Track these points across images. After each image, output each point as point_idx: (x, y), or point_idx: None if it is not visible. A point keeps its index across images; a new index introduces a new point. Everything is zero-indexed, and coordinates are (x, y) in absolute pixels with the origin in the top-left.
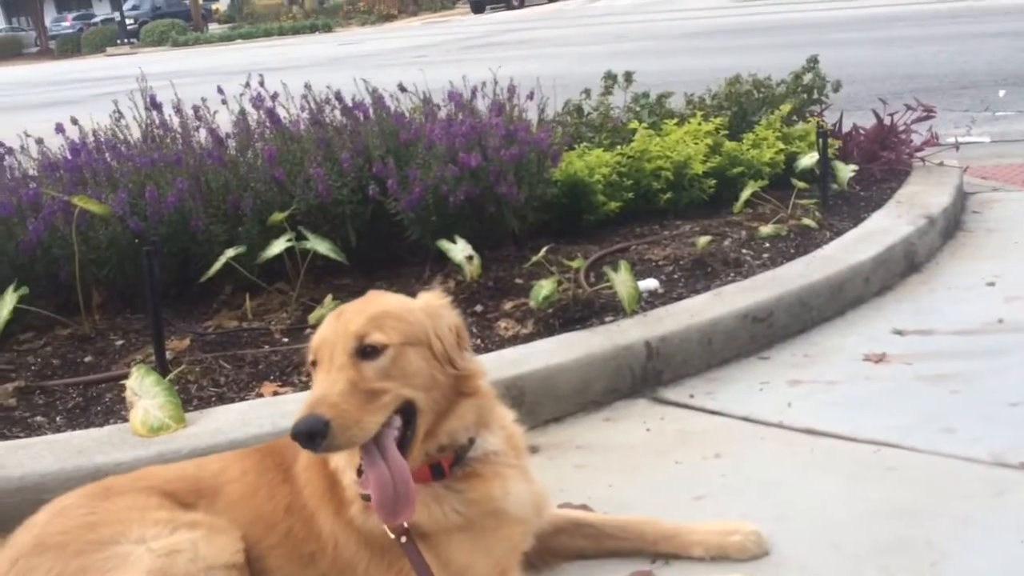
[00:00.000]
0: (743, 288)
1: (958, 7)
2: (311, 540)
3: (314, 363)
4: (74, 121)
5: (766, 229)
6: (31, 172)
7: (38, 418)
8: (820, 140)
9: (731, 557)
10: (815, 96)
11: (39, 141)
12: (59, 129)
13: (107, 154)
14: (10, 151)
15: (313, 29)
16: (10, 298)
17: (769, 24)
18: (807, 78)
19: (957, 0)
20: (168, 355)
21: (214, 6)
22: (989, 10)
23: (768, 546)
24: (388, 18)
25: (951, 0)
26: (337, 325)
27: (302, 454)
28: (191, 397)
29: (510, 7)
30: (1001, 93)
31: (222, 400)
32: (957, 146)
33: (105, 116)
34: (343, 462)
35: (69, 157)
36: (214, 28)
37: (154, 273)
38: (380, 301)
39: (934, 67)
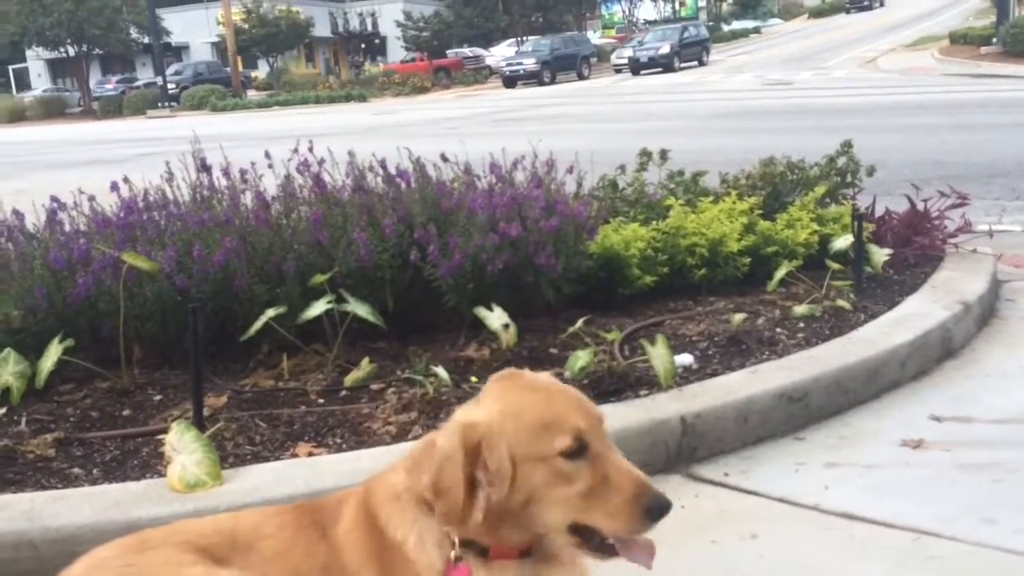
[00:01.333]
0: (779, 367)
1: (987, 97)
2: None
3: (580, 436)
4: (126, 180)
5: (800, 309)
6: (82, 228)
7: (75, 470)
8: (855, 223)
9: None
10: (848, 179)
11: (91, 198)
12: (114, 187)
13: (156, 213)
14: (63, 206)
15: (348, 99)
16: (55, 350)
17: (798, 108)
18: (841, 161)
19: (985, 91)
20: (205, 411)
21: (253, 74)
22: (1017, 101)
23: None
24: (422, 90)
25: (979, 91)
26: (588, 406)
27: (344, 517)
28: (227, 454)
29: (541, 83)
30: None
31: (257, 459)
32: (991, 233)
33: (146, 175)
34: (408, 534)
35: (122, 215)
36: (252, 95)
37: (198, 329)
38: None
39: (963, 155)
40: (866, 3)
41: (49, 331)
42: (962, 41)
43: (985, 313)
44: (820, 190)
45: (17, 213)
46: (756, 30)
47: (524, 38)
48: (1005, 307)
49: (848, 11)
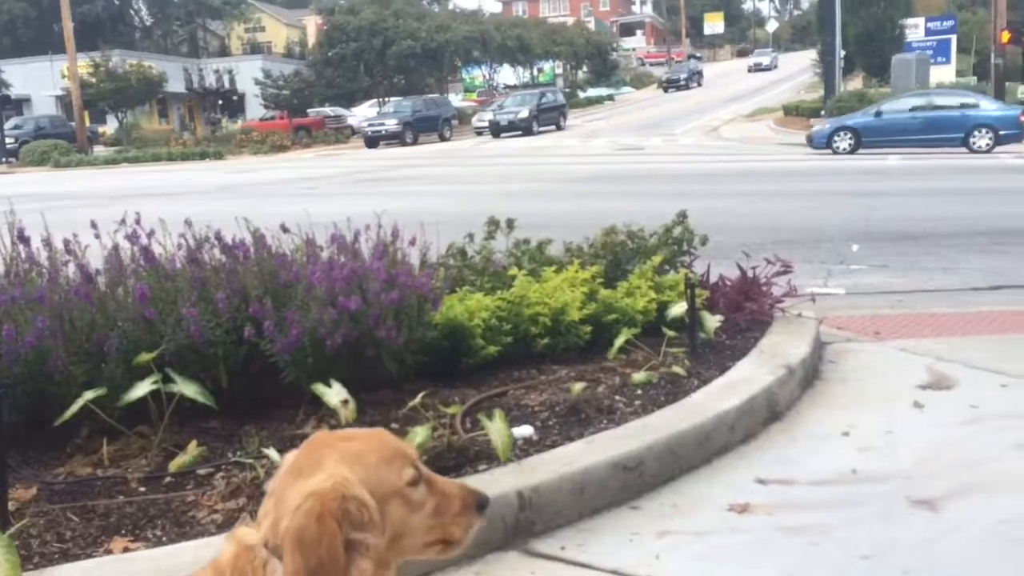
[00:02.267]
0: (615, 436)
1: (814, 166)
2: None
3: (415, 464)
4: None
5: (638, 376)
6: None
7: None
8: (688, 291)
9: None
10: (684, 248)
11: None
12: None
13: None
14: None
15: (204, 156)
16: None
17: (646, 173)
18: (677, 231)
19: (812, 160)
20: (11, 505)
21: (101, 129)
22: (840, 170)
23: None
24: (281, 148)
25: (807, 160)
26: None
27: None
28: (32, 553)
29: (403, 143)
30: (854, 248)
31: (66, 556)
32: (813, 299)
33: None
34: None
35: None
36: (99, 150)
37: (2, 420)
38: None
39: (792, 221)
40: (682, 83)
41: None
42: (795, 112)
43: (808, 375)
44: (657, 259)
45: None
46: (610, 97)
47: (386, 99)
48: (827, 368)
49: (666, 90)
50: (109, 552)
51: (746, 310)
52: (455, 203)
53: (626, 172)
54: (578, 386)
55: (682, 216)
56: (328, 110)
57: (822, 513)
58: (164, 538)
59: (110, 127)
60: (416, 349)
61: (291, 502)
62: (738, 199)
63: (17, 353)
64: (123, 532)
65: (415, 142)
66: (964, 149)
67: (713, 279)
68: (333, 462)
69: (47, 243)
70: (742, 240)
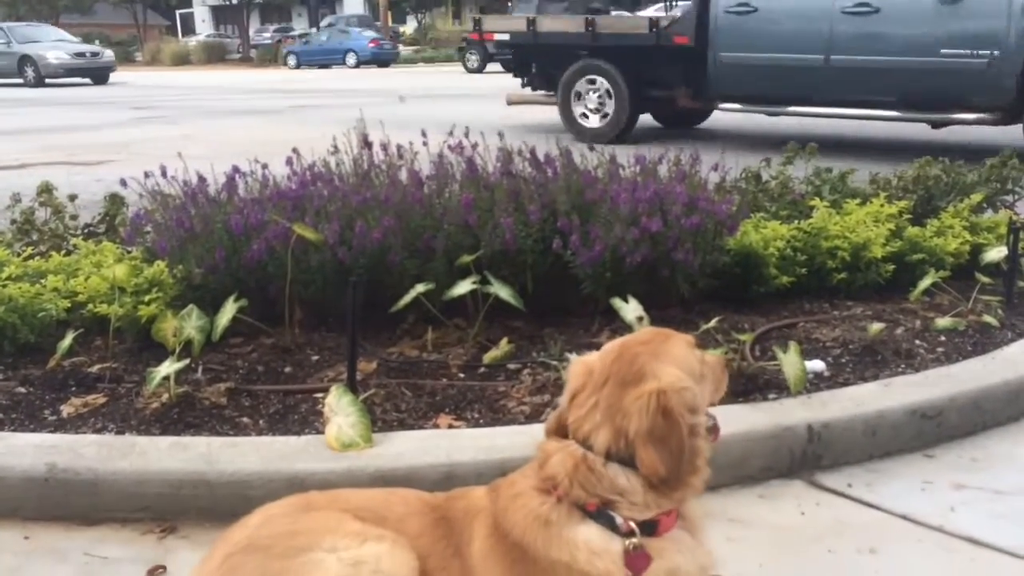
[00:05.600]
0: (914, 382)
1: None
2: None
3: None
4: (296, 152)
5: (943, 322)
6: (255, 195)
7: (244, 419)
8: (1011, 235)
9: None
10: (1009, 187)
11: (264, 166)
12: (288, 162)
13: (323, 186)
14: (240, 173)
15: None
16: (231, 307)
17: None
18: (1004, 168)
19: None
20: (357, 376)
21: (402, 28)
22: None
23: None
24: None
25: None
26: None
27: (476, 538)
28: (376, 419)
29: None
30: None
31: (403, 425)
32: None
33: (300, 128)
34: (573, 549)
35: (295, 188)
36: (400, 50)
37: (356, 304)
38: None
39: None
40: None
41: (224, 289)
42: None
43: None
44: (976, 197)
45: (201, 178)
46: None
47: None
48: None
49: None
50: (436, 426)
51: None
52: (742, 122)
53: None
54: (876, 326)
55: (1012, 152)
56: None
57: None
58: (481, 420)
59: (410, 27)
60: (709, 273)
61: (631, 407)
62: None
63: (365, 246)
64: (447, 410)
65: None
66: None
67: None
68: (653, 364)
69: (384, 149)
70: None
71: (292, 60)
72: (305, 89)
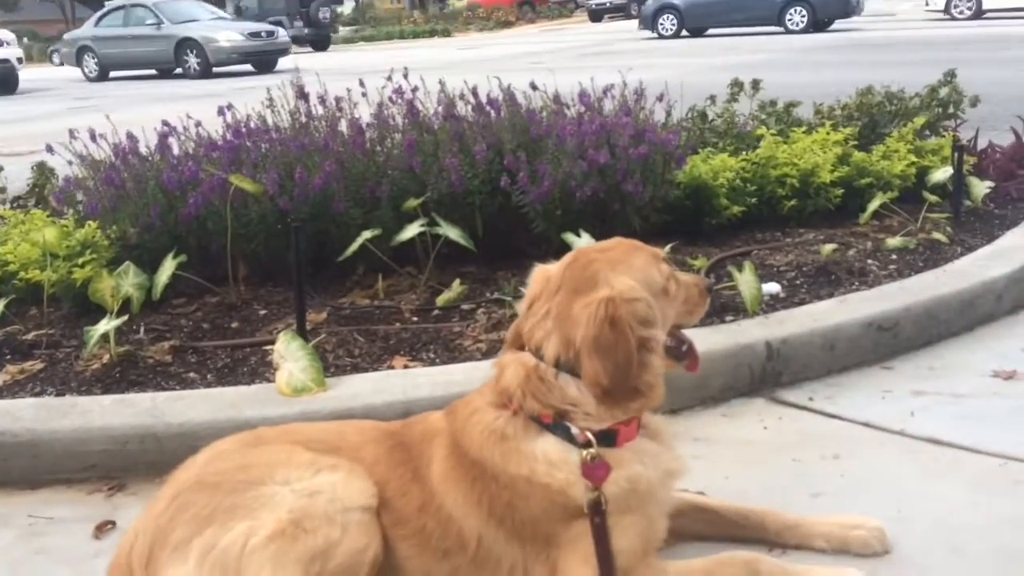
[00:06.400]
0: (868, 297)
1: None
2: (447, 538)
3: (666, 259)
4: (230, 107)
5: (893, 241)
6: (190, 151)
7: (191, 374)
8: (955, 154)
9: (852, 551)
10: (950, 111)
11: (198, 123)
12: (221, 112)
13: (259, 138)
14: (174, 130)
15: (432, 34)
16: (169, 264)
17: (894, 40)
18: (943, 92)
19: None
20: (307, 326)
21: (339, 8)
22: None
23: (891, 544)
24: (506, 24)
25: None
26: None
27: (435, 459)
28: (328, 365)
29: (628, 16)
30: None
31: (356, 369)
32: None
33: (246, 105)
34: (531, 463)
35: (230, 138)
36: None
37: (301, 247)
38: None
39: None
40: None
41: (162, 248)
42: None
43: None
44: (920, 121)
45: (131, 137)
46: None
47: None
48: None
49: None
50: (391, 368)
51: (1019, 178)
52: (687, 74)
53: (869, 40)
54: (828, 248)
55: (950, 75)
56: None
57: None
58: (437, 360)
59: (347, 6)
60: (660, 207)
61: (580, 315)
62: (1006, 67)
63: (307, 194)
64: (401, 352)
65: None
66: None
67: (981, 146)
68: (608, 272)
69: (322, 101)
70: (1013, 110)
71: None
72: (249, 72)
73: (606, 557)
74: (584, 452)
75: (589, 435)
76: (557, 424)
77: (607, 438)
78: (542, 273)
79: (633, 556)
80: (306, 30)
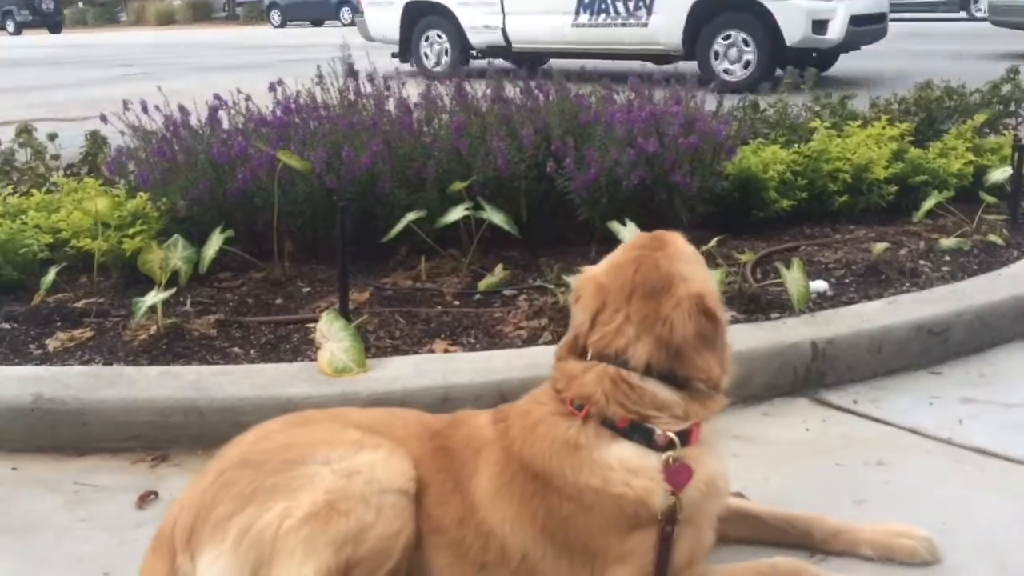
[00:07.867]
0: (919, 299)
1: None
2: (488, 552)
3: None
4: (280, 82)
5: (947, 242)
6: (240, 126)
7: (235, 349)
8: (1016, 154)
9: (898, 560)
10: (1012, 108)
11: (247, 98)
12: (272, 88)
13: (308, 115)
14: (224, 104)
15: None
16: (216, 239)
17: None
18: (1005, 88)
19: None
20: (350, 305)
21: None
22: None
23: (940, 554)
24: None
25: None
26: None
27: (482, 474)
28: (369, 345)
29: None
30: None
31: (397, 351)
32: None
33: (292, 81)
34: (605, 471)
35: (279, 115)
36: None
37: (346, 226)
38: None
39: None
40: None
41: (210, 222)
42: None
43: None
44: (979, 118)
45: (183, 110)
46: None
47: None
48: None
49: None
50: (432, 351)
51: None
52: None
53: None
54: (879, 246)
55: (1013, 72)
56: None
57: None
58: (477, 345)
59: None
60: (707, 197)
61: (673, 315)
62: None
63: (354, 173)
64: (442, 336)
65: None
66: None
67: None
68: (679, 267)
69: (371, 79)
70: None
71: (276, 16)
72: (296, 45)
73: (663, 568)
74: (665, 455)
75: (671, 435)
76: (635, 427)
77: (681, 438)
78: (591, 281)
79: (681, 568)
80: (31, 17)
